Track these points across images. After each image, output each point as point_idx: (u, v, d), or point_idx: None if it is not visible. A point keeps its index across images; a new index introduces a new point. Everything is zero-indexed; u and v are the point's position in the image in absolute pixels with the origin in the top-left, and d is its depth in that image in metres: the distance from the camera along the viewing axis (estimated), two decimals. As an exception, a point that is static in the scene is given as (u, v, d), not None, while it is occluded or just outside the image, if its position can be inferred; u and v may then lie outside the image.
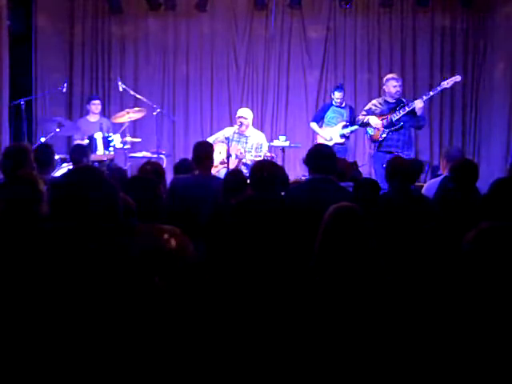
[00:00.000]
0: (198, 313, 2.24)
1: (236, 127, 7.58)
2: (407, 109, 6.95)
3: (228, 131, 7.62)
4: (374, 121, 7.08)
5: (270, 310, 2.26)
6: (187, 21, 9.45)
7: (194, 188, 4.64)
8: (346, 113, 8.03)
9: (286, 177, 3.95)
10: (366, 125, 7.18)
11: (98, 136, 7.39)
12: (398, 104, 7.07)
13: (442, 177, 5.30)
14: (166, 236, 3.00)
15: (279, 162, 6.96)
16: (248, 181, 4.05)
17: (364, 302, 2.30)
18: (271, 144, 7.83)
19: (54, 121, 7.50)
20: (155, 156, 7.79)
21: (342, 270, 2.35)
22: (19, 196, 3.02)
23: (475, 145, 9.38)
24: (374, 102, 7.36)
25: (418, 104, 6.92)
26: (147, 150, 8.13)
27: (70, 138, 8.25)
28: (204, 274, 2.55)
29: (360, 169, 7.50)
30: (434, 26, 9.35)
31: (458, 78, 7.20)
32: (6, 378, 1.67)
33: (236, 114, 7.93)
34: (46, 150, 5.08)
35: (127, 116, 7.89)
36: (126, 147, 7.76)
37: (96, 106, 8.22)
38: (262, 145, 7.57)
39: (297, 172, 8.15)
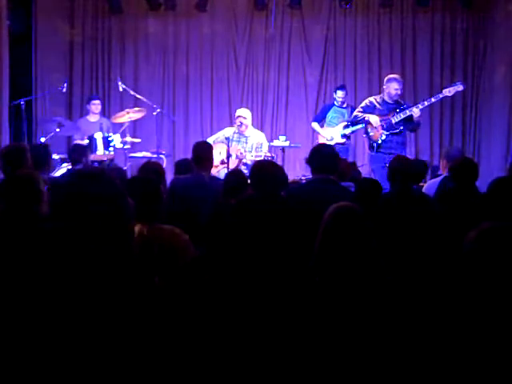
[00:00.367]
0: (197, 312, 2.24)
1: (236, 127, 7.58)
2: (408, 112, 6.91)
3: (228, 131, 7.62)
4: (374, 119, 7.04)
5: (269, 310, 2.25)
6: (187, 21, 9.45)
7: (194, 188, 4.64)
8: (347, 113, 8.03)
9: (285, 177, 3.95)
10: (367, 123, 7.11)
11: (98, 136, 7.39)
12: (398, 106, 7.03)
13: (442, 177, 5.30)
14: (166, 236, 3.01)
15: (279, 162, 6.96)
16: (248, 181, 4.05)
17: (364, 302, 2.30)
18: (271, 144, 7.83)
19: (53, 121, 7.50)
20: (155, 156, 7.79)
21: (341, 270, 2.35)
22: (19, 195, 3.02)
23: (475, 145, 9.38)
24: (371, 99, 7.25)
25: (417, 112, 6.89)
26: (147, 150, 8.13)
27: (70, 138, 8.25)
28: (204, 273, 2.54)
29: (360, 169, 7.50)
30: (434, 26, 9.35)
31: (460, 87, 7.15)
32: (5, 378, 1.67)
33: (235, 114, 7.93)
34: (43, 150, 5.08)
35: (127, 116, 7.89)
36: (126, 147, 7.76)
37: (96, 106, 8.22)
38: (262, 145, 7.57)
39: (296, 172, 8.15)
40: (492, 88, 9.07)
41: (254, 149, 7.48)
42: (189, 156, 5.28)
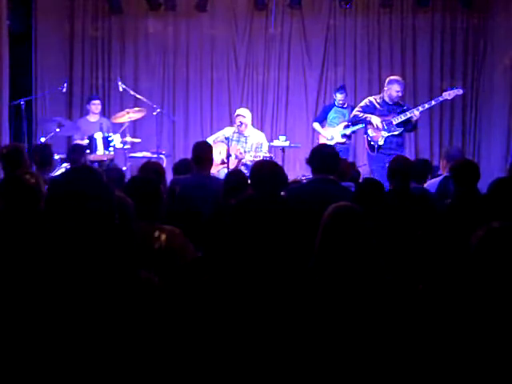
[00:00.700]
0: (197, 312, 2.24)
1: (236, 127, 7.58)
2: (408, 114, 6.92)
3: (228, 131, 7.61)
4: (376, 120, 7.03)
5: (269, 310, 2.25)
6: (187, 21, 9.45)
7: (194, 188, 4.64)
8: (347, 113, 8.03)
9: (285, 177, 3.95)
10: (368, 123, 7.11)
11: (98, 136, 7.39)
12: (399, 107, 7.04)
13: (441, 177, 5.31)
14: (166, 236, 3.01)
15: (279, 162, 6.95)
16: (248, 181, 4.05)
17: (363, 302, 2.30)
18: (271, 144, 7.84)
19: (53, 121, 7.50)
20: (155, 156, 7.79)
21: (341, 270, 2.35)
22: (19, 195, 3.02)
23: (475, 145, 9.38)
24: (371, 99, 7.24)
25: (417, 115, 6.93)
26: (147, 150, 8.13)
27: (70, 138, 8.25)
28: (203, 274, 2.54)
29: (360, 169, 7.50)
30: (434, 26, 9.34)
31: (459, 92, 7.20)
32: (4, 377, 1.67)
33: (235, 114, 7.94)
34: (44, 150, 5.08)
35: (127, 116, 7.89)
36: (126, 147, 7.76)
37: (96, 106, 8.22)
38: (261, 144, 7.57)
39: (296, 172, 8.14)
40: (492, 88, 9.07)
41: (253, 149, 7.47)
42: (189, 156, 5.28)
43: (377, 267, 2.41)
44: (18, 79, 8.48)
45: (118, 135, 7.63)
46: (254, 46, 9.54)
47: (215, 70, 9.56)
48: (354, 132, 7.99)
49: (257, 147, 7.51)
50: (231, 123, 8.55)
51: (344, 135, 7.93)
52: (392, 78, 7.28)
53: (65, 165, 6.59)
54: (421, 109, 7.01)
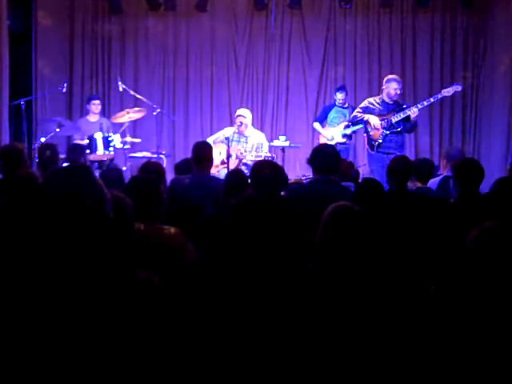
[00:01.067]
0: (196, 312, 2.24)
1: (236, 127, 7.58)
2: (407, 112, 6.94)
3: (228, 131, 7.61)
4: (375, 120, 7.05)
5: (268, 310, 2.26)
6: (187, 21, 9.45)
7: (194, 188, 4.64)
8: (348, 113, 8.04)
9: (285, 177, 3.95)
10: (366, 123, 7.14)
11: (98, 136, 7.40)
12: (398, 106, 7.06)
13: (441, 177, 5.31)
14: (166, 236, 3.01)
15: (279, 162, 6.95)
16: (249, 181, 4.05)
17: (362, 301, 2.30)
18: (271, 144, 7.84)
19: (53, 121, 7.50)
20: (155, 156, 7.79)
21: (340, 270, 2.35)
22: (19, 196, 3.02)
23: (475, 145, 9.38)
24: (370, 100, 7.28)
25: (415, 112, 6.92)
26: (147, 150, 8.13)
27: (69, 138, 8.25)
28: (203, 273, 2.54)
29: (360, 169, 7.52)
30: (434, 26, 9.35)
31: (458, 88, 7.23)
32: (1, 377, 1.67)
33: (235, 114, 7.94)
34: (50, 150, 5.09)
35: (127, 116, 7.89)
36: (126, 147, 7.76)
37: (96, 106, 8.21)
38: (262, 145, 7.57)
39: (297, 172, 8.14)
40: (492, 88, 9.07)
41: (254, 149, 7.47)
42: (189, 156, 5.28)
43: (376, 267, 2.41)
44: (18, 79, 8.48)
45: (117, 135, 7.64)
46: (253, 46, 9.54)
47: (215, 70, 9.56)
48: (354, 132, 8.00)
49: (257, 147, 7.51)
50: (231, 123, 8.55)
51: (344, 135, 7.94)
52: (390, 76, 7.33)
53: (65, 165, 6.59)
54: (420, 106, 7.03)
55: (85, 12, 9.31)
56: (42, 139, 7.34)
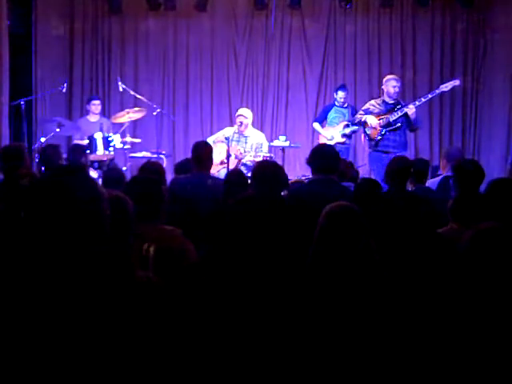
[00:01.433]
0: (196, 312, 2.24)
1: (236, 127, 7.58)
2: (405, 110, 7.00)
3: (228, 131, 7.61)
4: (372, 120, 7.11)
5: (267, 310, 2.26)
6: (187, 21, 9.45)
7: (194, 188, 4.64)
8: (347, 112, 8.05)
9: (286, 178, 3.96)
10: (364, 124, 7.22)
11: (98, 136, 7.40)
12: (396, 105, 7.11)
13: (441, 177, 5.30)
14: (166, 237, 3.01)
15: (279, 162, 6.95)
16: (249, 181, 4.05)
17: (359, 298, 2.30)
18: (271, 144, 7.84)
19: (53, 121, 7.50)
20: (155, 156, 7.80)
21: (337, 269, 2.36)
22: (19, 197, 3.02)
23: (475, 145, 9.38)
24: (372, 102, 7.39)
25: (411, 109, 6.97)
26: (147, 150, 8.13)
27: (70, 138, 8.25)
28: (203, 273, 2.55)
29: (360, 169, 7.53)
30: (434, 26, 9.35)
31: (456, 82, 7.28)
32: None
33: (236, 113, 7.94)
34: (53, 151, 5.09)
35: (127, 116, 7.90)
36: (126, 147, 7.76)
37: (96, 106, 8.21)
38: (261, 145, 7.57)
39: (297, 172, 8.15)
40: (492, 88, 9.08)
41: (253, 149, 7.47)
42: (189, 156, 5.28)
43: (373, 265, 2.42)
44: (18, 79, 8.48)
45: (117, 135, 7.64)
46: (253, 46, 9.54)
47: (215, 70, 9.56)
48: (353, 132, 8.02)
49: (257, 147, 7.51)
50: (231, 123, 8.56)
51: (344, 135, 7.95)
52: (388, 76, 7.47)
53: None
54: (417, 103, 7.09)
55: (85, 12, 9.31)
56: (42, 139, 7.34)
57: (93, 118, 8.18)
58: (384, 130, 7.07)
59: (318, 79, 9.52)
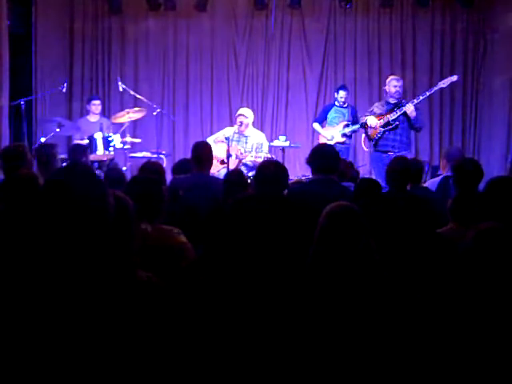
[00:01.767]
0: (196, 312, 2.24)
1: (236, 127, 7.58)
2: (403, 109, 7.04)
3: (228, 131, 7.61)
4: (372, 120, 7.21)
5: (266, 310, 2.26)
6: (187, 21, 9.45)
7: (194, 188, 4.64)
8: (347, 112, 8.05)
9: (287, 177, 3.97)
10: (365, 124, 7.30)
11: (98, 136, 7.40)
12: (398, 105, 7.15)
13: (441, 177, 5.30)
14: (166, 236, 3.01)
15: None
16: (249, 181, 4.05)
17: (360, 300, 2.30)
18: (271, 144, 7.85)
19: (53, 121, 7.50)
20: (155, 156, 7.80)
21: (337, 269, 2.36)
22: (20, 196, 3.02)
23: (475, 145, 9.38)
24: (376, 103, 7.54)
25: (409, 108, 7.00)
26: (147, 150, 8.14)
27: (70, 138, 8.25)
28: (202, 273, 2.55)
29: (360, 169, 7.54)
30: (434, 26, 9.35)
31: (454, 78, 7.32)
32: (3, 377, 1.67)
33: (236, 113, 7.94)
34: (48, 150, 5.08)
35: (127, 116, 7.90)
36: (126, 147, 7.77)
37: (96, 106, 8.21)
38: (262, 145, 7.57)
39: (297, 172, 8.15)
40: (492, 88, 9.07)
41: (253, 149, 7.48)
42: (189, 156, 5.28)
43: (373, 265, 2.42)
44: (18, 79, 8.48)
45: (117, 135, 7.64)
46: (253, 46, 9.54)
47: (215, 70, 9.56)
48: (353, 131, 8.03)
49: (257, 147, 7.51)
50: (231, 123, 8.56)
51: (344, 135, 7.95)
52: (390, 76, 7.56)
53: (65, 165, 6.59)
54: (416, 101, 7.13)
55: (85, 12, 9.31)
56: (42, 139, 7.34)
57: (93, 118, 8.18)
58: (383, 130, 7.12)
59: (318, 79, 9.52)
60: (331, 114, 8.12)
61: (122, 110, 8.30)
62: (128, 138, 7.81)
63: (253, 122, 7.88)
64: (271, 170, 3.79)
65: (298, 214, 3.29)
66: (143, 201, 2.93)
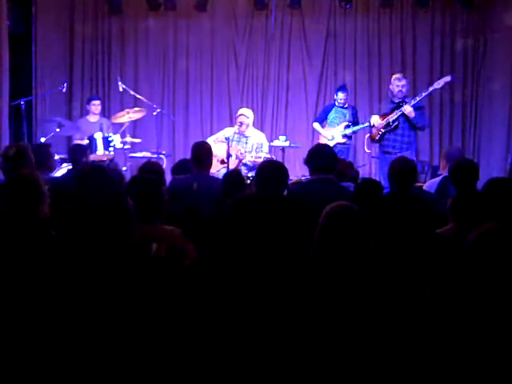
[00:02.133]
0: (197, 311, 2.25)
1: (236, 127, 7.59)
2: (402, 109, 7.06)
3: (228, 131, 7.62)
4: (373, 119, 7.25)
5: (266, 307, 2.26)
6: (187, 21, 9.44)
7: (193, 188, 4.64)
8: (348, 113, 8.05)
9: (287, 177, 3.97)
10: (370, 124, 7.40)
11: (98, 136, 7.40)
12: (399, 104, 7.17)
13: (441, 177, 5.30)
14: (166, 236, 3.01)
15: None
16: (248, 181, 4.06)
17: (360, 300, 2.30)
18: (271, 144, 7.85)
19: (54, 121, 7.50)
20: (155, 156, 7.80)
21: (337, 268, 2.36)
22: (21, 196, 3.02)
23: (475, 145, 9.38)
24: (385, 102, 7.59)
25: (406, 109, 7.00)
26: (147, 150, 8.14)
27: (70, 138, 8.25)
28: (203, 273, 2.55)
29: (360, 169, 7.54)
30: (434, 26, 9.34)
31: (447, 78, 7.33)
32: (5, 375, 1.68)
33: (236, 113, 7.94)
34: (43, 150, 5.08)
35: (127, 116, 7.90)
36: (126, 147, 7.77)
37: (96, 106, 8.21)
38: (262, 145, 7.57)
39: (296, 172, 8.15)
40: (492, 88, 9.07)
41: (254, 149, 7.48)
42: (188, 156, 5.28)
43: (373, 265, 2.42)
44: (18, 79, 8.48)
45: (118, 135, 7.64)
46: (253, 46, 9.53)
47: (215, 70, 9.56)
48: (354, 132, 8.04)
49: (257, 147, 7.52)
50: (231, 123, 8.56)
51: (344, 135, 7.96)
52: (393, 75, 7.56)
53: (65, 165, 6.59)
54: (413, 102, 7.12)
55: (85, 12, 9.31)
56: (42, 139, 7.35)
57: (93, 118, 8.18)
58: (383, 131, 7.15)
59: (318, 79, 9.52)
60: (332, 115, 8.13)
61: (122, 109, 8.30)
62: (128, 138, 7.81)
63: (253, 122, 7.89)
64: (271, 170, 3.80)
65: (298, 214, 3.29)
66: (143, 201, 2.93)
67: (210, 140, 7.06)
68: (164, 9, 9.27)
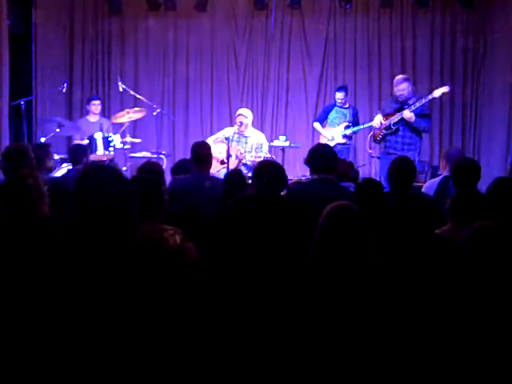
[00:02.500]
0: (197, 311, 2.25)
1: (236, 127, 7.59)
2: (403, 114, 7.05)
3: (228, 131, 7.62)
4: (375, 120, 7.28)
5: (266, 307, 2.26)
6: (187, 21, 9.45)
7: (193, 188, 4.64)
8: (348, 113, 8.05)
9: (286, 176, 3.97)
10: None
11: (98, 136, 7.40)
12: (401, 107, 7.15)
13: (441, 177, 5.31)
14: (167, 236, 3.01)
15: (279, 162, 6.95)
16: (250, 181, 4.06)
17: (360, 299, 2.30)
18: (271, 144, 7.85)
19: (54, 121, 7.51)
20: (155, 156, 7.80)
21: (337, 268, 2.36)
22: (21, 196, 3.02)
23: (475, 145, 9.38)
24: (388, 100, 7.54)
25: (406, 115, 6.99)
26: (147, 150, 8.14)
27: (70, 138, 8.25)
28: (203, 273, 2.55)
29: (360, 169, 7.55)
30: (434, 26, 9.34)
31: (446, 89, 7.28)
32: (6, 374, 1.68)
33: (236, 113, 7.95)
34: (43, 150, 5.08)
35: (127, 116, 7.90)
36: (126, 147, 7.77)
37: (96, 106, 8.22)
38: (262, 145, 7.58)
39: (296, 172, 8.15)
40: (492, 88, 9.07)
41: (253, 149, 7.48)
42: (188, 156, 5.28)
43: (373, 266, 2.42)
44: (18, 79, 8.47)
45: (118, 135, 7.64)
46: (253, 46, 9.54)
47: (215, 70, 9.56)
48: (354, 132, 8.05)
49: (257, 147, 7.52)
50: (231, 123, 8.56)
51: (345, 135, 7.96)
52: (396, 77, 7.50)
53: (65, 165, 6.59)
54: (413, 107, 7.09)
55: (85, 12, 9.31)
56: (42, 139, 7.34)
57: (93, 118, 8.18)
58: (384, 133, 7.16)
59: (318, 79, 9.52)
60: (332, 115, 8.13)
61: (122, 110, 8.30)
62: (128, 138, 7.81)
63: (253, 122, 7.89)
64: (270, 170, 3.80)
65: (298, 214, 3.29)
66: (143, 201, 2.93)
67: (209, 140, 7.06)
68: (164, 9, 9.28)
